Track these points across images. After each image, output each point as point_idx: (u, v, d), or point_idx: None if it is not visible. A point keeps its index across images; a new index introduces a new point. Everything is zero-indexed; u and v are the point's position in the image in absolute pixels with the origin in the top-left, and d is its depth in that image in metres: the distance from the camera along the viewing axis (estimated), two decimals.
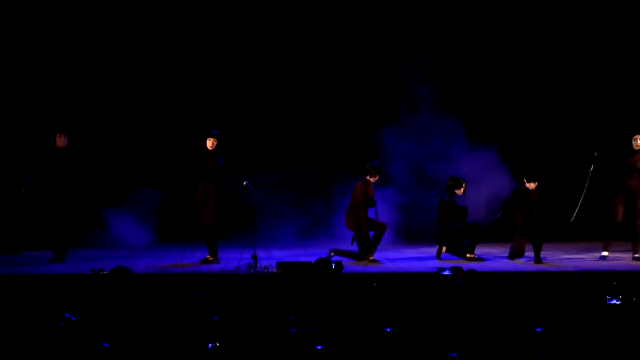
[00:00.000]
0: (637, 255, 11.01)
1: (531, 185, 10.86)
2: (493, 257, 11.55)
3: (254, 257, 9.69)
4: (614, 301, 7.56)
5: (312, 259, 9.06)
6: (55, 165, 10.72)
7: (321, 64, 14.42)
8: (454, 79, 14.34)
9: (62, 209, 10.75)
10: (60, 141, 10.76)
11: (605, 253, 11.16)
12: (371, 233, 10.96)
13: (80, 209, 11.10)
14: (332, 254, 10.95)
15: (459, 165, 12.79)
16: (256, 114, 14.38)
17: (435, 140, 14.00)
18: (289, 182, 13.98)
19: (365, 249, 10.87)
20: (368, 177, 10.96)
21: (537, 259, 10.71)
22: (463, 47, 14.39)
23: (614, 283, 8.94)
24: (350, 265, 10.33)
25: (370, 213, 11.02)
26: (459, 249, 11.23)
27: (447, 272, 7.86)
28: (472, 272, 7.81)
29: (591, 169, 11.24)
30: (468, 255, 11.10)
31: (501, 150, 13.17)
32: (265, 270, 9.72)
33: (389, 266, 10.56)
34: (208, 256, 10.77)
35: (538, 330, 5.80)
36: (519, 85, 14.52)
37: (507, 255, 11.24)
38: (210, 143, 10.79)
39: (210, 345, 5.49)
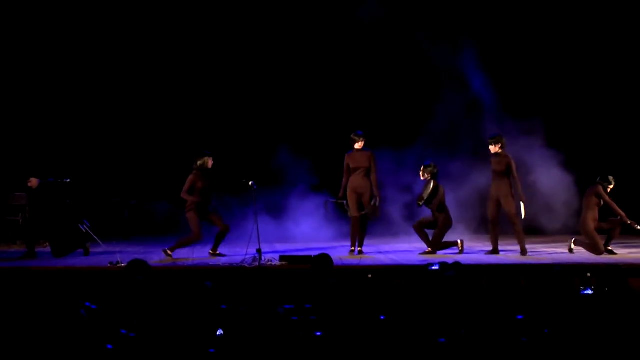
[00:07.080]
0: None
1: None
2: (477, 250, 11.77)
3: (259, 250, 9.93)
4: (588, 291, 8.02)
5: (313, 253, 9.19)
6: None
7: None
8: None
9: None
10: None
11: None
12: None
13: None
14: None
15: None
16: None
17: None
18: None
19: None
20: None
21: (523, 251, 11.10)
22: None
23: (588, 274, 9.26)
24: (346, 259, 10.63)
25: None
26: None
27: (435, 267, 8.35)
28: (457, 264, 8.27)
29: None
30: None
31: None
32: (269, 263, 10.00)
33: (382, 259, 10.79)
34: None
35: (519, 317, 6.04)
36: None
37: (488, 249, 11.50)
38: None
39: (220, 330, 5.93)
